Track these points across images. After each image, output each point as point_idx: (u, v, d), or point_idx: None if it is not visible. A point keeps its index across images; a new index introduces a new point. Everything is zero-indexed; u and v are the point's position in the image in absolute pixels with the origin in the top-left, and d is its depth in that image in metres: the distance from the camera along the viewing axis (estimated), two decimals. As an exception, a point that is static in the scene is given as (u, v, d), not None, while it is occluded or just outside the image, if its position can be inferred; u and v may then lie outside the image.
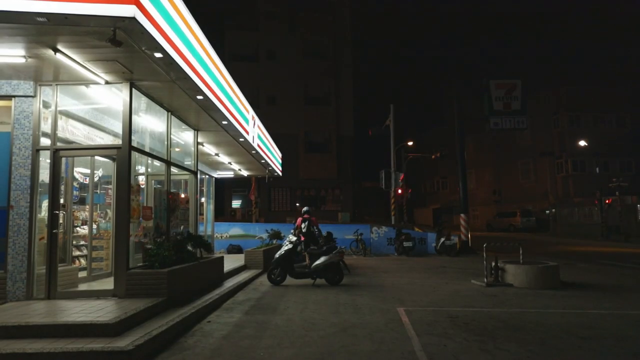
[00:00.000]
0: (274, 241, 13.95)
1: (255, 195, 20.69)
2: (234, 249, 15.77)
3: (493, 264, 9.23)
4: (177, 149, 8.94)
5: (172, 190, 8.17)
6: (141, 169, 7.84)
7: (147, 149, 7.31)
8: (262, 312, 6.70)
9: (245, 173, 15.50)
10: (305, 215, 11.12)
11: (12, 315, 5.06)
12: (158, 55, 5.14)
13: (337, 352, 4.67)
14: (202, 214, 12.23)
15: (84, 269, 7.19)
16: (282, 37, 28.18)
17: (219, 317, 6.34)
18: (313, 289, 8.78)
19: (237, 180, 21.53)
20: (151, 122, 7.54)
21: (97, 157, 7.49)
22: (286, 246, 9.50)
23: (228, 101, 8.13)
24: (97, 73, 5.82)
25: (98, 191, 7.88)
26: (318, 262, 9.20)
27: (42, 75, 5.98)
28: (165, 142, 7.77)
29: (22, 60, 5.34)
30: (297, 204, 27.90)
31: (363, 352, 4.69)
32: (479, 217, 42.75)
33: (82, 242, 7.45)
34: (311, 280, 9.45)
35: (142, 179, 7.75)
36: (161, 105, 7.45)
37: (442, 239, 16.26)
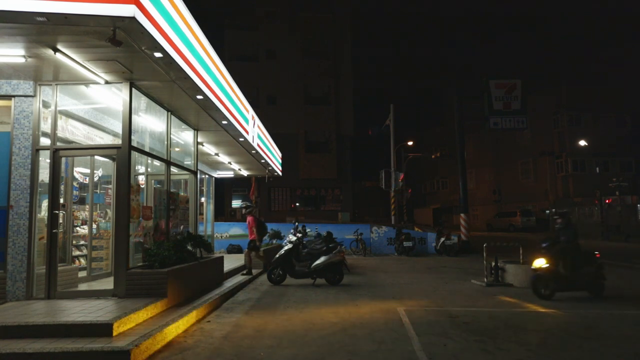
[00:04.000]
0: (274, 241, 13.95)
1: (255, 195, 20.68)
2: (234, 249, 15.76)
3: (493, 263, 9.23)
4: (177, 149, 8.93)
5: (172, 190, 8.17)
6: (141, 169, 7.83)
7: (147, 149, 7.31)
8: (262, 311, 6.70)
9: (245, 173, 15.50)
10: (249, 218, 10.31)
11: (12, 315, 5.06)
12: (158, 55, 5.14)
13: (337, 352, 4.67)
14: (202, 214, 12.23)
15: (83, 268, 7.19)
16: (282, 37, 28.15)
17: (219, 317, 6.33)
18: (313, 289, 8.77)
19: (237, 180, 21.54)
20: (151, 122, 7.54)
21: (97, 157, 7.49)
22: (286, 246, 9.50)
23: (228, 101, 8.13)
24: (97, 73, 5.82)
25: (98, 191, 7.87)
26: (318, 262, 9.19)
27: (41, 75, 5.98)
28: (165, 142, 7.77)
29: (22, 60, 5.33)
30: (297, 204, 27.91)
31: (363, 352, 4.69)
32: (479, 217, 42.73)
33: (82, 242, 7.45)
34: (311, 280, 9.45)
35: (142, 179, 7.75)
36: (161, 105, 7.45)
37: (442, 239, 16.26)
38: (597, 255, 7.81)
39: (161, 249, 6.76)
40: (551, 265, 7.61)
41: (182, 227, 8.67)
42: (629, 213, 26.26)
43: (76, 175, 7.35)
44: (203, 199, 12.88)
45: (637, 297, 7.94)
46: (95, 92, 6.60)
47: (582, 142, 31.05)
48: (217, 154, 11.67)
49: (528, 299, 7.51)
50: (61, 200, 6.56)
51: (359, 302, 7.39)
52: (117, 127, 6.57)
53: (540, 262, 7.74)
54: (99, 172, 7.85)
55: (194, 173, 9.13)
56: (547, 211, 34.00)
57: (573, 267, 7.57)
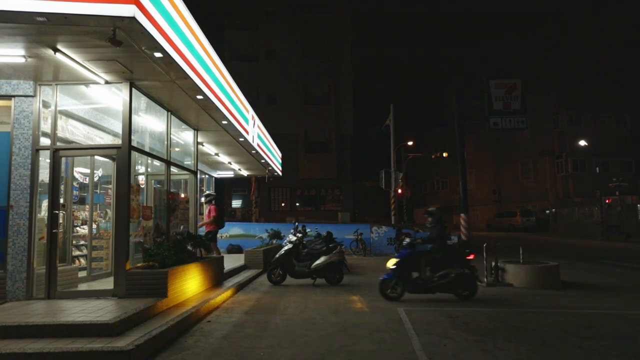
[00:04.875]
0: (274, 241, 13.94)
1: (255, 195, 20.68)
2: (234, 249, 15.75)
3: (493, 263, 9.23)
4: (177, 149, 8.93)
5: (172, 190, 8.17)
6: (141, 169, 7.83)
7: (147, 149, 7.31)
8: (262, 312, 6.70)
9: (245, 173, 15.50)
10: (211, 206, 9.97)
11: (12, 315, 5.06)
12: (158, 55, 5.14)
13: (337, 352, 4.67)
14: (202, 214, 12.22)
15: (83, 268, 7.18)
16: (282, 37, 28.14)
17: (219, 317, 6.33)
18: (313, 289, 8.77)
19: (237, 180, 21.56)
20: (151, 122, 7.54)
21: (97, 157, 7.49)
22: (286, 246, 9.49)
23: (228, 101, 8.13)
24: (97, 73, 5.82)
25: (98, 191, 7.87)
26: (318, 262, 9.18)
27: (41, 75, 5.98)
28: (165, 142, 7.77)
29: (22, 60, 5.33)
30: (297, 204, 27.90)
31: (363, 352, 4.69)
32: (479, 217, 42.74)
33: (82, 242, 7.45)
34: (311, 280, 9.44)
35: (142, 179, 7.75)
36: (161, 105, 7.45)
37: (442, 239, 16.23)
38: (470, 257, 7.36)
39: (161, 249, 6.75)
40: (401, 266, 7.27)
41: (182, 227, 8.67)
42: (629, 213, 26.26)
43: (76, 175, 7.35)
44: (203, 199, 12.86)
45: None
46: (95, 92, 6.60)
47: (582, 142, 31.04)
48: (217, 154, 11.67)
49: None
50: (61, 200, 6.55)
51: (359, 302, 7.39)
52: (117, 127, 6.57)
53: (391, 263, 7.38)
54: (99, 172, 7.85)
55: (194, 173, 9.13)
56: (547, 211, 34.02)
57: (432, 269, 7.24)
